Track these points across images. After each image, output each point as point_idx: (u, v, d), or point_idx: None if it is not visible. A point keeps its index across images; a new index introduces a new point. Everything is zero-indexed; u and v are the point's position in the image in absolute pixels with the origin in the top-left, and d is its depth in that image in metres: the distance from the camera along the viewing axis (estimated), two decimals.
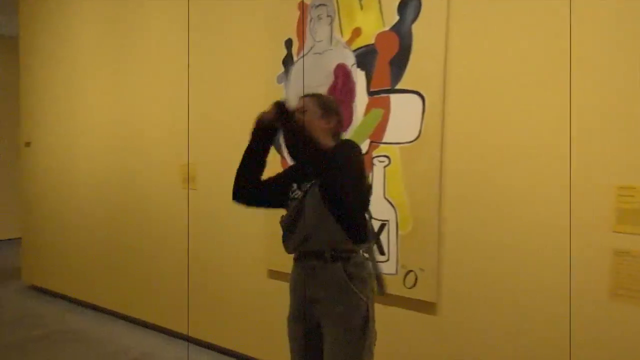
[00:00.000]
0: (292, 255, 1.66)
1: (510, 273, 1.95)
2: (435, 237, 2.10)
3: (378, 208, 2.22)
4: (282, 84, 2.61)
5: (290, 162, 2.48)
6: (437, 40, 2.07)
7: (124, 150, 3.56)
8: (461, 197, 2.06)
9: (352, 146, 1.54)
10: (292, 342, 1.67)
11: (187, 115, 3.09)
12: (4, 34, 6.30)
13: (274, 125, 1.56)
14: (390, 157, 2.23)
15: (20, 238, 4.71)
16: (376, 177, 2.27)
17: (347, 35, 2.36)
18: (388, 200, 2.23)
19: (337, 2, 2.40)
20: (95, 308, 3.87)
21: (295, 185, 1.65)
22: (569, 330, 1.81)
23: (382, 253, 2.24)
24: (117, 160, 3.62)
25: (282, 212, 1.66)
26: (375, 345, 1.58)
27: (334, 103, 1.68)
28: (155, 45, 3.32)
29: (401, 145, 2.19)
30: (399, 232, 2.21)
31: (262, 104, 1.69)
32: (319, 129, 1.57)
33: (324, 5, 2.44)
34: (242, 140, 1.66)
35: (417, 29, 2.12)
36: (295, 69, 2.57)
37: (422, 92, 2.12)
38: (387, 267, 2.21)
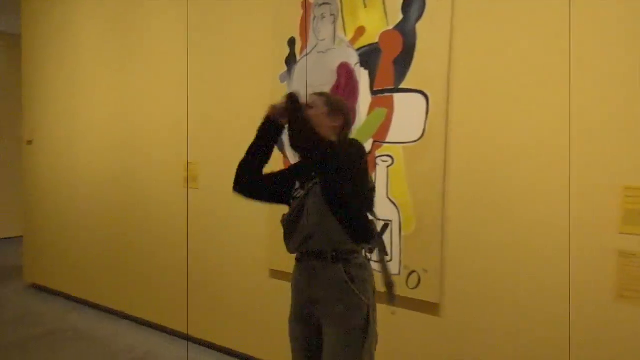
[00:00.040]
0: (293, 255, 1.64)
1: (514, 274, 1.94)
2: (438, 238, 2.09)
3: (381, 208, 2.21)
4: (285, 83, 2.60)
5: (292, 160, 2.47)
6: (441, 40, 2.06)
7: (126, 149, 3.55)
8: (465, 197, 2.04)
9: (355, 144, 1.53)
10: (293, 343, 1.66)
11: (187, 115, 3.08)
12: (6, 32, 6.30)
13: (283, 116, 1.55)
14: (394, 156, 2.21)
15: (21, 236, 4.70)
16: (379, 176, 2.25)
17: (350, 34, 2.35)
18: (391, 200, 2.22)
19: (341, 0, 2.38)
20: (96, 307, 3.86)
21: (298, 184, 1.64)
22: (572, 332, 1.80)
23: (385, 253, 2.22)
24: (118, 159, 3.61)
25: (283, 210, 1.65)
26: (376, 347, 1.57)
27: (342, 103, 1.67)
28: (157, 44, 3.31)
29: (404, 144, 2.18)
30: (402, 233, 2.19)
31: (265, 103, 1.68)
32: (324, 126, 1.56)
33: (327, 3, 2.43)
34: (245, 139, 1.65)
35: (421, 28, 2.11)
36: (298, 68, 2.55)
37: (426, 91, 2.10)
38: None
